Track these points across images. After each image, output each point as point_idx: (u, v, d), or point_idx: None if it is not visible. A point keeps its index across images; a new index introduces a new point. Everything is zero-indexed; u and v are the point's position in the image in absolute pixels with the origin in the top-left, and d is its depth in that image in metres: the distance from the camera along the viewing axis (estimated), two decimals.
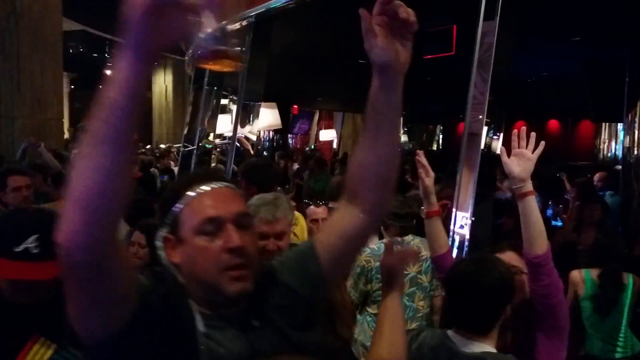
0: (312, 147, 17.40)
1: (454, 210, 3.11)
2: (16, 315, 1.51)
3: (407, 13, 1.01)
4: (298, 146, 17.89)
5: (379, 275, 2.75)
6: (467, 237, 3.03)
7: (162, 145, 17.63)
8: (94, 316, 0.93)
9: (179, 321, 1.02)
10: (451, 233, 3.02)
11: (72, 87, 22.50)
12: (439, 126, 20.20)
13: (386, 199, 1.19)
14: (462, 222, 3.06)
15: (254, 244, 1.10)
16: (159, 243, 1.09)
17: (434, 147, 20.69)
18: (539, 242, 1.71)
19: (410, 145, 21.01)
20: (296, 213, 2.85)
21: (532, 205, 1.74)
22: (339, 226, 1.17)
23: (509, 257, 1.81)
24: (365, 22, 1.03)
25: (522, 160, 1.75)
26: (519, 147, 1.77)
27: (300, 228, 3.01)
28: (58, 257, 0.85)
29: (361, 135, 1.15)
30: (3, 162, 7.41)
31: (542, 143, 1.78)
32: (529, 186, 1.74)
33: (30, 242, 1.43)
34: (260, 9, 4.75)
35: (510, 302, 1.62)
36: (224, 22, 0.88)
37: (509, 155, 1.79)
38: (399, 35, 1.05)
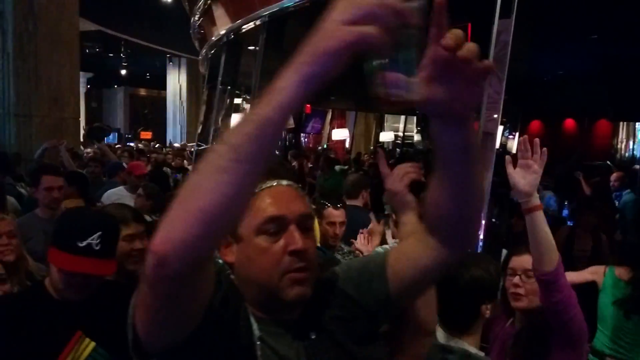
0: (325, 146, 17.40)
1: None
2: (63, 313, 1.59)
3: (470, 51, 0.75)
4: (311, 145, 17.90)
5: None
6: (481, 237, 3.00)
7: (176, 144, 17.75)
8: (169, 326, 0.88)
9: (237, 324, 0.99)
10: None
11: (88, 86, 22.76)
12: None
13: (470, 235, 1.08)
14: None
15: (314, 248, 1.05)
16: None
17: None
18: (548, 258, 1.62)
19: (424, 144, 20.97)
20: None
21: (539, 220, 1.64)
22: (415, 255, 1.08)
23: (526, 260, 1.76)
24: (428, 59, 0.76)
25: (528, 172, 1.64)
26: (526, 158, 1.66)
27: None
28: (145, 266, 0.78)
29: (433, 172, 0.99)
30: (20, 160, 7.53)
31: (545, 151, 1.66)
32: (535, 200, 1.65)
33: (94, 239, 1.54)
34: (273, 7, 4.75)
35: (489, 302, 1.59)
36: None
37: (514, 165, 1.68)
38: (465, 78, 0.77)
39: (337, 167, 8.69)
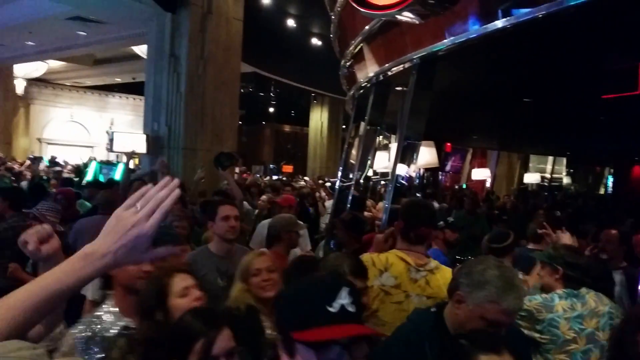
0: (464, 186, 16.93)
1: None
2: None
3: None
4: (448, 184, 17.53)
5: (552, 329, 2.60)
6: None
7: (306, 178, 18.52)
8: None
9: None
10: None
11: (240, 122, 24.87)
12: (607, 168, 18.40)
13: None
14: None
15: None
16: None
17: (602, 192, 18.84)
18: None
19: (572, 188, 19.37)
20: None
21: None
22: None
23: None
24: None
25: None
26: None
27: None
28: None
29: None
30: (185, 189, 8.33)
31: None
32: None
33: (343, 298, 1.17)
34: (424, 51, 4.86)
35: None
36: None
37: None
38: None
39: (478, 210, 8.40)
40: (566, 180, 19.95)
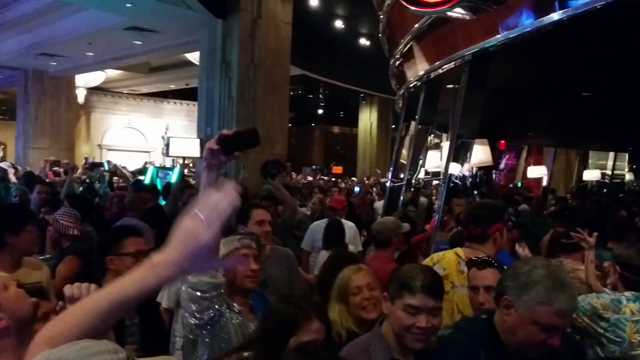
0: (519, 184, 16.42)
1: None
2: None
3: None
4: (502, 183, 17.04)
5: (618, 330, 2.49)
6: None
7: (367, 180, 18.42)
8: None
9: None
10: None
11: (290, 124, 25.13)
12: None
13: None
14: None
15: None
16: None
17: None
18: None
19: (636, 185, 18.41)
20: None
21: None
22: None
23: None
24: None
25: None
26: None
27: None
28: None
29: None
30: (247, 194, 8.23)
31: None
32: None
33: None
34: (477, 47, 4.76)
35: None
36: None
37: None
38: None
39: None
40: (629, 176, 18.98)
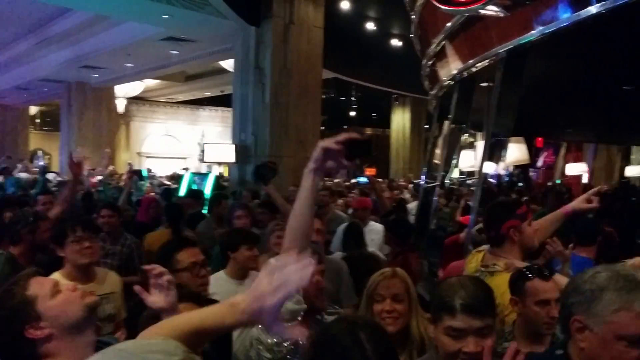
0: (558, 181, 16.03)
1: None
2: None
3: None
4: (540, 181, 16.68)
5: None
6: None
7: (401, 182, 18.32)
8: None
9: None
10: None
11: (322, 128, 25.22)
12: None
13: None
14: None
15: None
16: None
17: None
18: None
19: None
20: None
21: None
22: None
23: None
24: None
25: None
26: None
27: None
28: None
29: None
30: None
31: None
32: None
33: None
34: (511, 44, 4.71)
35: None
36: None
37: None
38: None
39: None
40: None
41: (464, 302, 1.53)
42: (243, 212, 4.45)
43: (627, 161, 17.88)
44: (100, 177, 7.80)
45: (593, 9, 3.71)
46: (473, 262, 2.59)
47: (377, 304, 2.14)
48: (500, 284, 2.17)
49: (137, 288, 1.68)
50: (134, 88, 20.56)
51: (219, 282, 2.79)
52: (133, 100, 22.93)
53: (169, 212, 5.22)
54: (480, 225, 4.08)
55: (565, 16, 4.04)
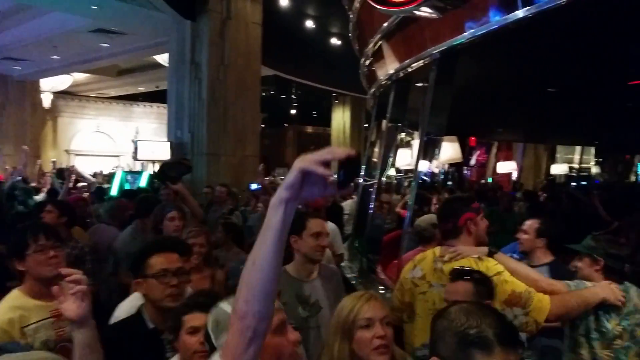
0: (489, 179, 16.71)
1: None
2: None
3: None
4: (473, 179, 17.31)
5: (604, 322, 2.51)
6: None
7: None
8: None
9: None
10: None
11: (262, 126, 25.03)
12: (638, 156, 17.96)
13: None
14: None
15: None
16: None
17: (632, 179, 18.42)
18: None
19: (602, 179, 18.92)
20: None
21: None
22: None
23: None
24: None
25: None
26: None
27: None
28: None
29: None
30: (234, 194, 7.98)
31: None
32: None
33: None
34: (444, 45, 4.80)
35: None
36: None
37: None
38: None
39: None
40: (595, 169, 19.53)
41: (499, 331, 1.22)
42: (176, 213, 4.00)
43: (552, 160, 18.91)
44: (19, 177, 7.20)
45: (520, 13, 3.83)
46: (429, 255, 2.70)
47: (362, 330, 1.80)
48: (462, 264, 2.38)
49: (54, 289, 1.59)
50: (62, 82, 19.51)
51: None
52: (61, 94, 21.74)
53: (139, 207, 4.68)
54: (421, 220, 4.18)
55: (494, 19, 4.16)
